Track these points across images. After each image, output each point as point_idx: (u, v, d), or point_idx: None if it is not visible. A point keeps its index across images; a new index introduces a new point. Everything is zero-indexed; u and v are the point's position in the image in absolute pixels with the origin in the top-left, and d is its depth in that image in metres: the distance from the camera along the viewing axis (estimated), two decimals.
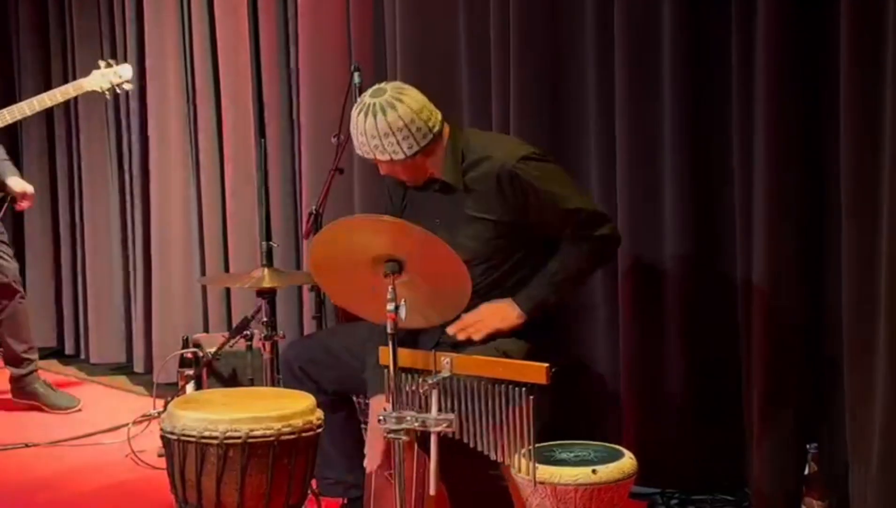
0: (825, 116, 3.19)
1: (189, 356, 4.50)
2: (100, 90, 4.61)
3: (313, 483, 3.23)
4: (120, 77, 4.66)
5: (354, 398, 3.37)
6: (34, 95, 5.92)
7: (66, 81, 5.83)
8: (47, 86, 5.95)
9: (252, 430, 2.86)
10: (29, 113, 4.63)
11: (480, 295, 2.98)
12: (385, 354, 2.60)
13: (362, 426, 3.34)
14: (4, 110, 4.61)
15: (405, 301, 2.54)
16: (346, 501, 3.35)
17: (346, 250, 2.64)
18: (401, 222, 2.68)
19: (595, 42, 3.66)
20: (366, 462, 3.01)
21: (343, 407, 3.30)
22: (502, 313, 3.04)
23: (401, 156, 2.99)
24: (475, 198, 3.05)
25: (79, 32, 5.76)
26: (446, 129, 3.09)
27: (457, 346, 2.97)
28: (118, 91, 4.70)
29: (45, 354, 6.03)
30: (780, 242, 3.25)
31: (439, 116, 3.06)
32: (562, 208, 3.04)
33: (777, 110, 3.21)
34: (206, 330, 5.24)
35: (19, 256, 6.19)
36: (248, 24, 4.98)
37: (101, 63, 4.67)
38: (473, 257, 2.94)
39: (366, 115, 2.96)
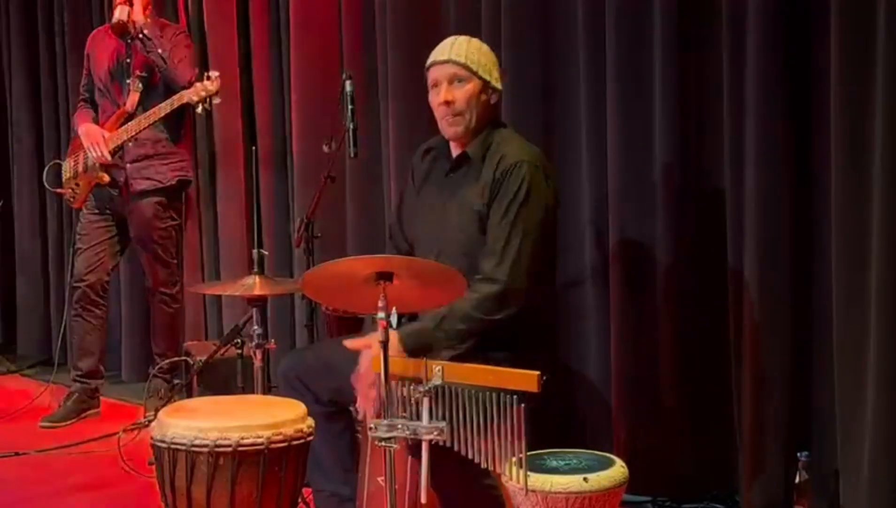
0: (816, 114, 3.20)
1: (180, 363, 4.50)
2: (192, 102, 4.54)
3: (304, 491, 3.22)
4: (212, 91, 4.53)
5: (352, 409, 3.36)
6: (23, 96, 5.98)
7: (55, 89, 5.88)
8: (36, 87, 5.97)
9: (242, 438, 2.85)
10: (142, 127, 4.66)
11: None
12: (376, 362, 2.60)
13: (357, 435, 3.33)
14: (123, 130, 4.68)
15: (396, 309, 2.54)
16: None
17: (335, 278, 2.64)
18: (380, 257, 2.67)
19: (586, 42, 3.68)
20: (358, 406, 3.01)
21: (339, 418, 3.28)
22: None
23: (482, 74, 3.09)
24: (482, 182, 3.09)
25: (70, 41, 5.76)
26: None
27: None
28: (208, 106, 4.57)
29: (34, 363, 6.03)
30: (771, 251, 3.26)
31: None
32: (498, 223, 3.01)
33: (767, 108, 3.23)
34: (196, 338, 5.24)
35: (8, 263, 6.20)
36: (238, 33, 4.98)
37: (204, 77, 4.55)
38: (462, 251, 3.00)
39: (471, 38, 3.19)
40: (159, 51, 4.63)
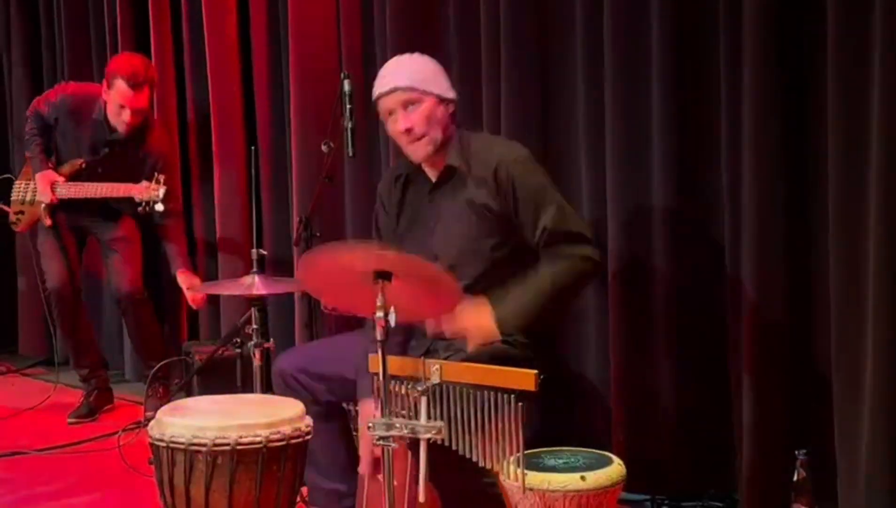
0: (813, 119, 3.19)
1: (179, 363, 4.50)
2: (137, 200, 4.57)
3: (303, 490, 3.22)
4: (156, 198, 4.55)
5: (345, 405, 3.36)
6: (24, 97, 5.99)
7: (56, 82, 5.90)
8: (37, 89, 5.97)
9: (241, 437, 2.86)
10: (90, 196, 4.73)
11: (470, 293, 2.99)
12: (374, 361, 2.60)
13: (354, 433, 3.34)
14: (74, 188, 4.73)
15: (394, 308, 2.54)
16: None
17: (333, 270, 2.63)
18: (380, 254, 2.65)
19: (585, 43, 3.68)
20: (360, 468, 3.02)
21: (336, 417, 3.29)
22: (482, 332, 3.00)
23: (432, 90, 3.08)
24: (476, 182, 3.09)
25: (69, 45, 5.77)
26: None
27: (446, 354, 2.97)
28: (148, 209, 4.58)
29: (36, 363, 6.03)
30: (768, 252, 3.26)
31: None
32: (541, 210, 3.05)
33: (764, 112, 3.22)
34: (196, 338, 5.24)
35: (8, 264, 6.20)
36: (237, 33, 4.99)
37: (154, 179, 4.57)
38: (467, 250, 2.97)
39: (410, 54, 3.18)
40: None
